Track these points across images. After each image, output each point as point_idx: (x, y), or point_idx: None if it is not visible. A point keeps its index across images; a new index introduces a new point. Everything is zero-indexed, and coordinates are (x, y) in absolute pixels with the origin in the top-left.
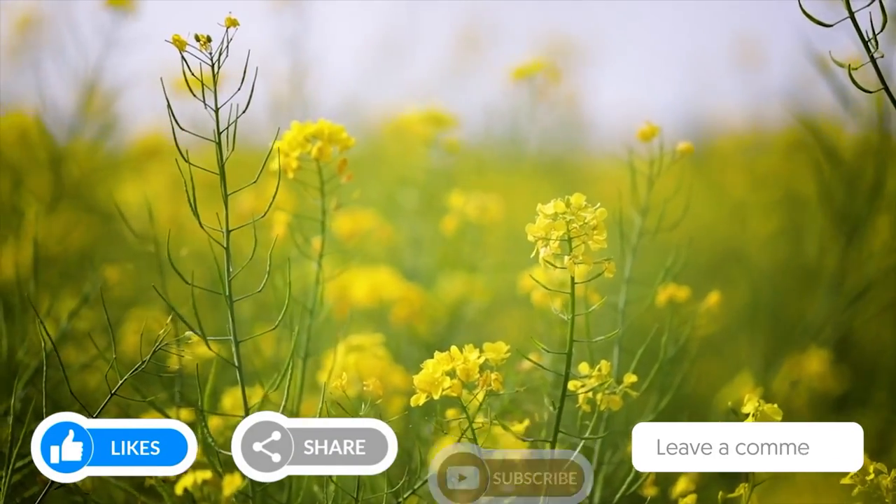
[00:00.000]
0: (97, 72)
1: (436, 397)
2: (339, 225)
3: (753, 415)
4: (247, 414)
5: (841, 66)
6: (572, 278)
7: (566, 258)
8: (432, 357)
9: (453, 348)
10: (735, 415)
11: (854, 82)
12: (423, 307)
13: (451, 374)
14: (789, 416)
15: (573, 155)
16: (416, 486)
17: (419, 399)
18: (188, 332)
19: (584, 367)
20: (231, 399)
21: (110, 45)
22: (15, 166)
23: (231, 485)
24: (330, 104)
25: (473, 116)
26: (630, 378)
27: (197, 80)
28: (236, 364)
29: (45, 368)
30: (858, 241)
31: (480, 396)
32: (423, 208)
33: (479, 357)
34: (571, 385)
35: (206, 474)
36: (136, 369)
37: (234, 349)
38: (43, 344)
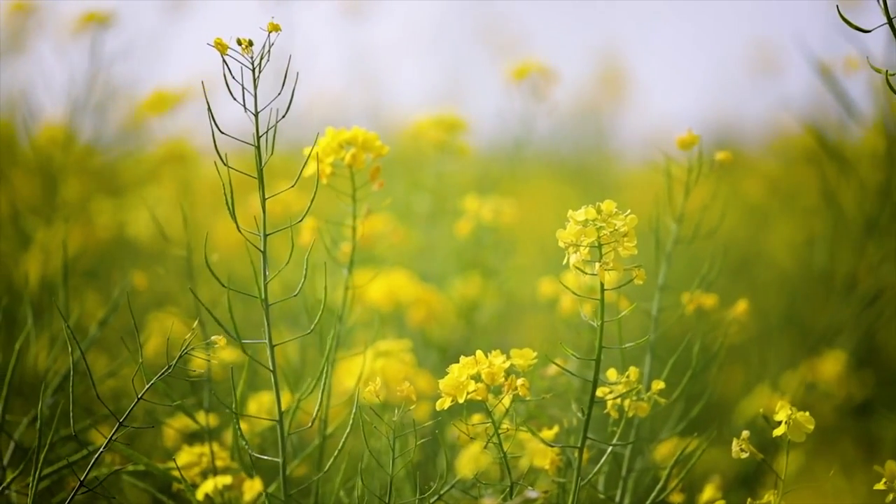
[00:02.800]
0: (88, 84)
1: (461, 401)
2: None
3: (786, 423)
4: (280, 417)
5: (879, 71)
6: (602, 284)
7: (596, 264)
8: (450, 361)
9: (479, 352)
10: (767, 422)
11: (892, 88)
12: (440, 310)
13: (476, 377)
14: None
15: (595, 160)
16: (442, 492)
17: (444, 403)
18: (215, 337)
19: (612, 374)
20: (256, 404)
21: (94, 59)
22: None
23: (252, 489)
24: (358, 110)
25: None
26: (658, 385)
27: (238, 82)
28: (271, 368)
29: (72, 374)
30: (872, 246)
31: (506, 401)
32: (438, 212)
33: (504, 361)
34: (600, 391)
35: (227, 479)
36: (162, 373)
37: (269, 353)
38: (70, 350)
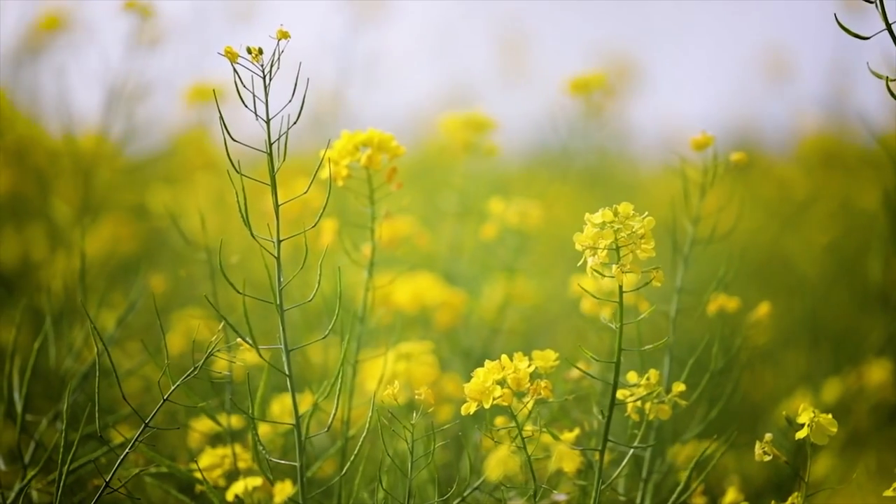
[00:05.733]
0: (122, 76)
1: (486, 406)
2: (379, 232)
3: (809, 426)
4: (297, 421)
5: (879, 77)
6: (620, 287)
7: (614, 267)
8: (475, 364)
9: (504, 357)
10: (790, 425)
11: (892, 94)
12: (465, 312)
13: (502, 383)
14: (848, 424)
15: (614, 163)
16: (465, 494)
17: (469, 408)
18: (238, 339)
19: (632, 376)
20: (279, 406)
21: (131, 49)
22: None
23: (282, 492)
24: (374, 111)
25: (518, 124)
26: (678, 387)
27: (248, 90)
28: (287, 372)
29: (97, 373)
30: None
31: (530, 405)
32: (464, 213)
33: (529, 366)
34: (620, 394)
35: (257, 481)
36: (187, 375)
37: (284, 358)
38: (97, 349)
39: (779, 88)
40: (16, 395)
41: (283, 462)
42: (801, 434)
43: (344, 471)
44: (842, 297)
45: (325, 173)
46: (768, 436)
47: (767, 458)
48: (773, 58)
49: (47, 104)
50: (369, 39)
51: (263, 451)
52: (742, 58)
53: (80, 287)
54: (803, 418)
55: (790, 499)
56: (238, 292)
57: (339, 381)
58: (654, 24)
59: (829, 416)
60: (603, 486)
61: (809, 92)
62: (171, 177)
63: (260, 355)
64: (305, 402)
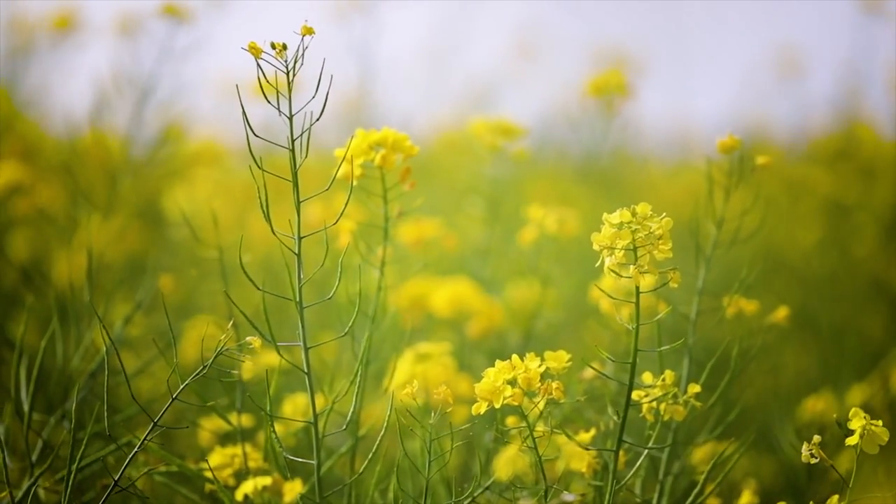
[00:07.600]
0: (153, 79)
1: (497, 406)
2: (404, 233)
3: (861, 434)
4: (315, 419)
5: None
6: (637, 288)
7: (631, 267)
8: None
9: (514, 357)
10: (840, 428)
11: None
12: (500, 322)
13: (513, 382)
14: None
15: (624, 162)
16: (475, 494)
17: (480, 407)
18: (249, 338)
19: (647, 377)
20: (291, 405)
21: (165, 53)
22: (71, 173)
23: (292, 490)
24: (385, 114)
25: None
26: (694, 388)
27: (272, 86)
28: (305, 371)
29: (106, 372)
30: None
31: (542, 405)
32: (483, 217)
33: (540, 366)
34: (635, 395)
35: (267, 480)
36: (197, 373)
37: (303, 356)
38: (105, 347)
39: (790, 88)
40: (23, 393)
41: (298, 460)
42: (851, 441)
43: (362, 469)
44: (846, 296)
45: (341, 172)
46: (816, 437)
47: (815, 461)
48: (784, 57)
49: (52, 104)
50: (372, 37)
51: (281, 448)
52: (754, 57)
53: (87, 285)
54: (854, 424)
55: (829, 501)
56: (259, 289)
57: (359, 380)
58: (664, 23)
59: (879, 422)
60: (617, 487)
61: (821, 92)
62: (172, 173)
63: (280, 354)
64: (318, 401)
